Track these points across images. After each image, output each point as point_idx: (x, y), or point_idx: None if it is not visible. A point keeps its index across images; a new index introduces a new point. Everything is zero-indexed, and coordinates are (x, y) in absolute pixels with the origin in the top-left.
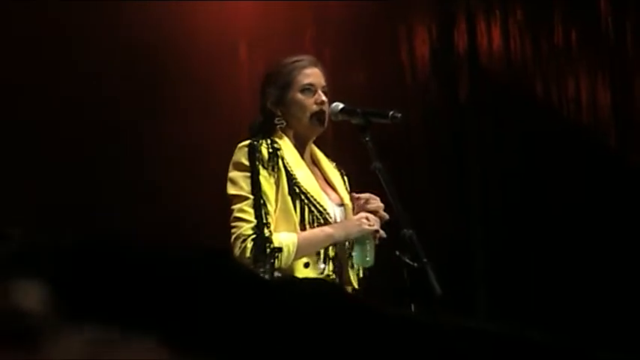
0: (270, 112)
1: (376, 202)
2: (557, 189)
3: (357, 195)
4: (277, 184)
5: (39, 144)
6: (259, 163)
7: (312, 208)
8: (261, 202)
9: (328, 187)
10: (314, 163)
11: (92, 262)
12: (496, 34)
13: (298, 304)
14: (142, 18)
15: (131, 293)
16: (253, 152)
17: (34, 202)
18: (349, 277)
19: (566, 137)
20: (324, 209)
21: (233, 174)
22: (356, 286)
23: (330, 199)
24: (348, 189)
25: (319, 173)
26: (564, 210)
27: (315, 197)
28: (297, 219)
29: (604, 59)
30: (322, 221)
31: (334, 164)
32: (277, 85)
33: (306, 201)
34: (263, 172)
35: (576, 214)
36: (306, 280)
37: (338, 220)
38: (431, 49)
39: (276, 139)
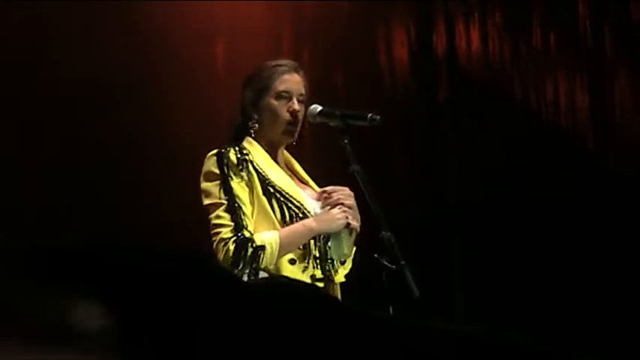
0: (246, 115)
1: (346, 194)
2: (536, 191)
3: (322, 189)
4: (250, 186)
5: (39, 144)
6: (228, 169)
7: (290, 205)
8: (236, 205)
9: (302, 184)
10: (287, 166)
11: (71, 263)
12: (475, 36)
13: (278, 307)
14: (141, 19)
15: (108, 296)
16: (222, 159)
17: (34, 202)
18: (337, 273)
19: (544, 139)
20: (302, 204)
21: (205, 185)
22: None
23: (306, 194)
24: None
25: (294, 175)
26: (543, 211)
27: (290, 194)
28: (276, 218)
29: (582, 62)
30: (301, 216)
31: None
32: (255, 88)
33: (282, 199)
34: (234, 178)
35: (555, 216)
36: (286, 283)
37: (316, 214)
38: (410, 50)
39: (245, 145)
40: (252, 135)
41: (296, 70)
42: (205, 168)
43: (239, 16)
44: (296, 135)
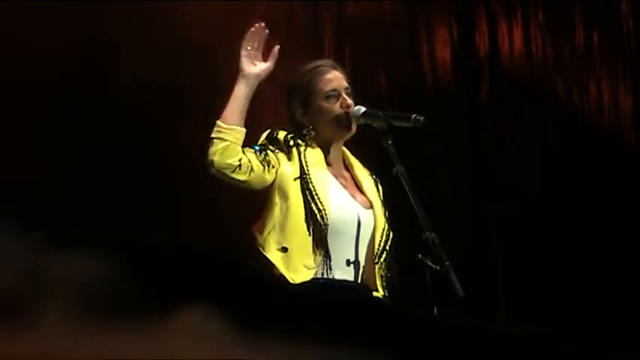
0: (298, 124)
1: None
2: (578, 191)
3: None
4: (277, 166)
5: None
6: (271, 142)
7: (313, 206)
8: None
9: (357, 191)
10: (346, 169)
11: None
12: (517, 36)
13: (322, 307)
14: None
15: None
16: (270, 133)
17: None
18: (375, 283)
19: (586, 140)
20: (325, 209)
21: None
22: (381, 292)
23: (356, 201)
24: (382, 197)
25: (349, 177)
26: (584, 213)
27: (319, 196)
28: (300, 211)
29: (625, 61)
30: (321, 221)
31: (368, 172)
32: (300, 96)
33: (309, 197)
34: (271, 147)
35: (597, 218)
36: (326, 284)
37: (363, 222)
38: (452, 50)
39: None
40: (308, 142)
41: (334, 67)
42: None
43: (279, 16)
44: (352, 126)
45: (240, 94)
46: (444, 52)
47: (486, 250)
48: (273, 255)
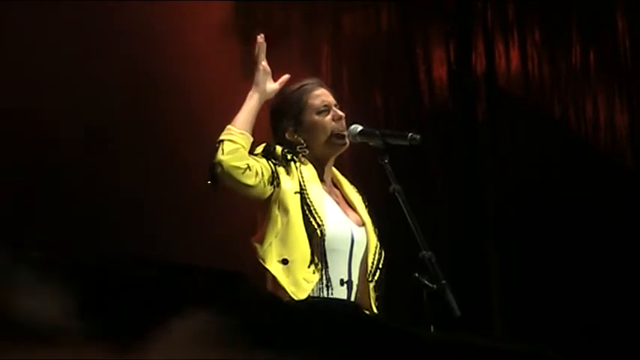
0: (289, 143)
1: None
2: (574, 209)
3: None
4: (279, 180)
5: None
6: (268, 153)
7: (312, 220)
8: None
9: (348, 208)
10: (334, 185)
11: (110, 276)
12: (514, 55)
13: (320, 326)
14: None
15: (143, 313)
16: (267, 147)
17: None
18: (368, 302)
19: (583, 158)
20: (321, 222)
21: None
22: (375, 310)
23: (349, 218)
24: (367, 212)
25: (340, 194)
26: (581, 230)
27: (316, 209)
28: (295, 221)
29: (621, 80)
30: (318, 233)
31: (355, 189)
32: (291, 114)
33: (307, 212)
34: (273, 160)
35: (594, 235)
36: (327, 303)
37: (357, 239)
38: (448, 69)
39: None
40: (301, 160)
41: (321, 85)
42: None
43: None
44: (347, 140)
45: (253, 106)
46: (440, 71)
47: (484, 267)
48: (274, 267)
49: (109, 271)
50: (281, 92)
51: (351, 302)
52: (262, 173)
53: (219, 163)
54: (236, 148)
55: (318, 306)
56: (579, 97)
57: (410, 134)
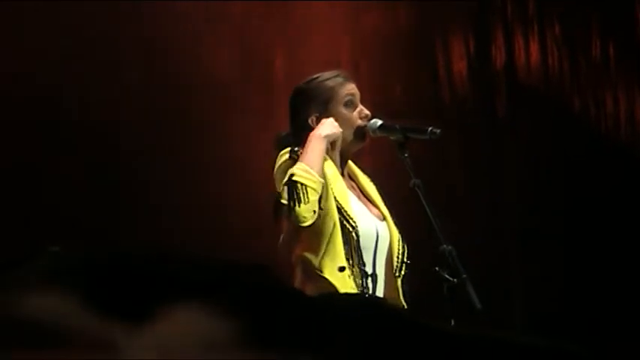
0: (309, 129)
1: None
2: (595, 204)
3: None
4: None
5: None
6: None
7: (345, 222)
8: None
9: (369, 203)
10: (351, 178)
11: (127, 273)
12: (534, 48)
13: (342, 319)
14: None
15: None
16: (293, 152)
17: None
18: (397, 296)
19: (604, 152)
20: (355, 224)
21: (280, 175)
22: (405, 304)
23: (372, 214)
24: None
25: (357, 188)
26: (602, 225)
27: (347, 211)
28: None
29: None
30: (354, 235)
31: (369, 178)
32: (319, 101)
33: (338, 214)
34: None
35: (614, 230)
36: (349, 296)
37: (381, 235)
38: (468, 63)
39: None
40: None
41: (351, 80)
42: (280, 160)
43: (298, 26)
44: (366, 138)
45: (324, 150)
46: (460, 65)
47: (505, 262)
48: (334, 276)
49: (119, 266)
50: (311, 78)
51: (377, 297)
52: (319, 215)
53: (295, 214)
54: (315, 200)
55: (342, 300)
56: (599, 91)
57: (430, 128)
